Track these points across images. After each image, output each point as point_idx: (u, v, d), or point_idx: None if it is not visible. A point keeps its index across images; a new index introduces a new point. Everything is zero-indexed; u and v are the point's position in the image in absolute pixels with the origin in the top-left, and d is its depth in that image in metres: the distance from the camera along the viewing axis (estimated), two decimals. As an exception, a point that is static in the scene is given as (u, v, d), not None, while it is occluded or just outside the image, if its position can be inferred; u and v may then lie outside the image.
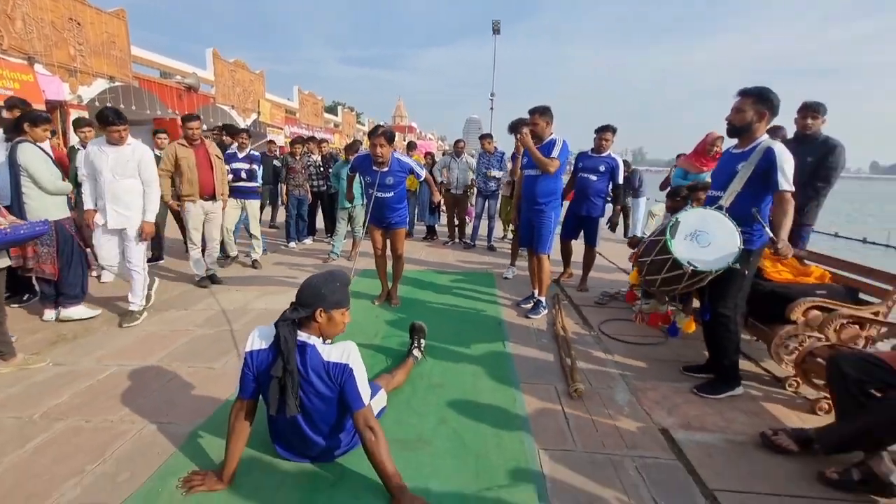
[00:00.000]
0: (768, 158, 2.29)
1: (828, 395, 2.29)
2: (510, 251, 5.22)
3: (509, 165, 5.82)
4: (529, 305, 3.80)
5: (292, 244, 6.12)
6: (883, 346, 2.54)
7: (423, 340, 2.84)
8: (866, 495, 1.77)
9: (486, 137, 6.19)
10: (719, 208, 2.39)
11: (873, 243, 12.86)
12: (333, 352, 1.70)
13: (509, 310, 3.85)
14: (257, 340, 1.73)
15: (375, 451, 1.64)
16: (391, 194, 3.51)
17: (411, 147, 7.95)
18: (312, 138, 6.61)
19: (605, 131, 4.36)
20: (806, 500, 1.76)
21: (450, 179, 6.25)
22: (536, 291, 3.80)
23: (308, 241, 6.45)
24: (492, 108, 24.31)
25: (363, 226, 5.27)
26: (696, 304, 3.23)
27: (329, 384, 1.68)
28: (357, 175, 3.86)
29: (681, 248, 2.32)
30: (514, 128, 3.99)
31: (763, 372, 2.85)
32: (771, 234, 2.25)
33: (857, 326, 2.51)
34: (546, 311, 3.71)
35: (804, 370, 2.43)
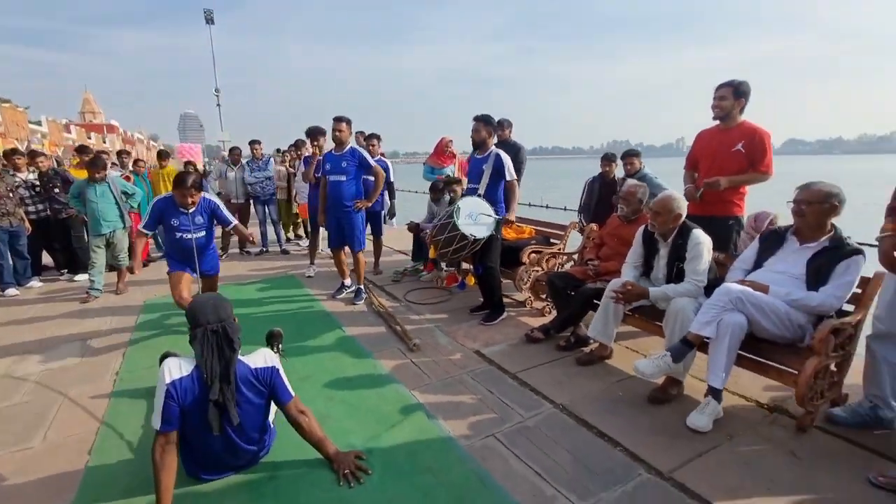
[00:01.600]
0: (498, 160, 3.59)
1: (549, 304, 3.85)
2: (308, 252, 5.56)
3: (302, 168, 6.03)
4: (350, 295, 4.39)
5: (11, 290, 4.71)
6: (569, 265, 4.31)
7: (280, 345, 3.11)
8: (579, 349, 3.24)
9: (255, 143, 6.20)
10: (479, 195, 3.58)
11: (552, 207, 18.31)
12: (256, 359, 1.98)
13: (329, 302, 4.35)
14: (175, 370, 1.81)
15: (312, 429, 2.03)
16: (202, 234, 3.36)
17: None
18: (15, 151, 5.05)
19: (372, 138, 5.21)
20: (557, 358, 3.10)
21: (227, 189, 5.98)
22: (350, 281, 4.42)
23: (35, 282, 5.05)
24: (218, 105, 21.85)
25: (128, 253, 4.66)
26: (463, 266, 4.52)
27: (260, 389, 1.96)
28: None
29: (465, 226, 3.39)
30: (311, 134, 4.42)
31: (512, 300, 4.34)
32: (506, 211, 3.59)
33: (554, 259, 4.18)
34: (365, 296, 4.39)
35: (534, 291, 3.95)
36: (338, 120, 3.98)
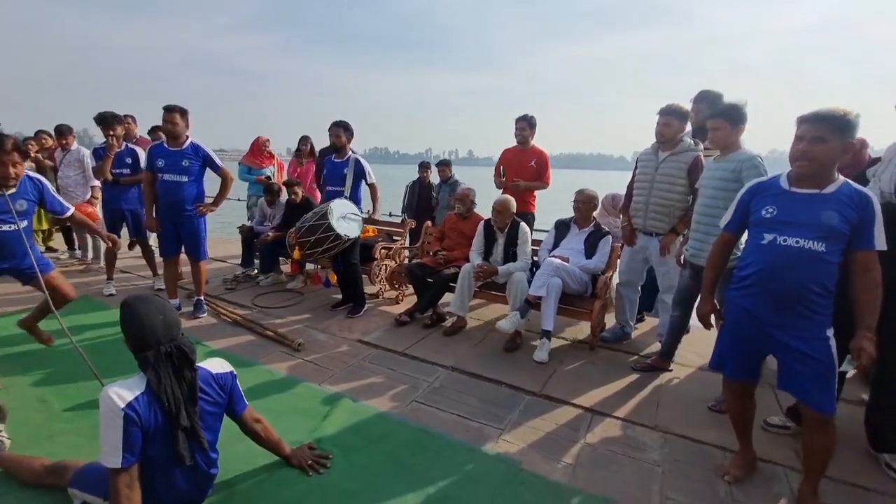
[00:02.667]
0: (359, 165, 3.97)
1: (401, 292, 4.43)
2: (104, 266, 4.49)
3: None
4: (188, 309, 3.91)
5: None
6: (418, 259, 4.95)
7: None
8: (440, 324, 3.93)
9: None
10: (345, 197, 3.86)
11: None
12: (214, 365, 1.89)
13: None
14: (125, 392, 1.59)
15: (269, 432, 2.06)
16: (25, 223, 2.56)
17: None
18: None
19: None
20: (427, 334, 3.71)
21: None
22: (178, 301, 3.94)
23: None
24: None
25: None
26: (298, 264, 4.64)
27: (218, 399, 1.88)
28: None
29: (340, 226, 3.62)
30: (106, 121, 3.72)
31: (369, 294, 4.72)
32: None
33: (402, 252, 4.77)
34: (207, 308, 3.99)
35: (390, 281, 4.46)
36: (168, 110, 3.49)
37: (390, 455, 2.25)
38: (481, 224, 3.91)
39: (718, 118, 2.65)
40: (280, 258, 4.98)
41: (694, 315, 2.72)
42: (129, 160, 4.25)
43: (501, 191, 4.44)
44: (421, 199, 5.75)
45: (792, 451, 2.36)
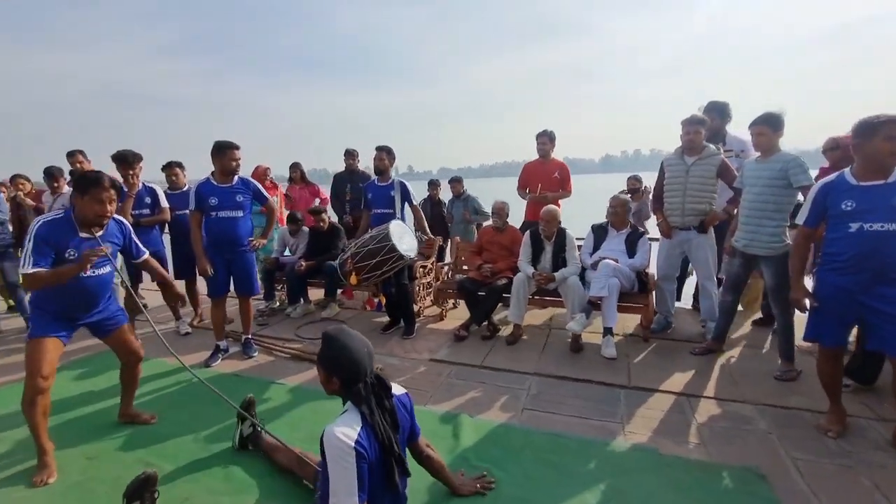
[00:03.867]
0: (404, 187, 4.04)
1: (445, 308, 4.49)
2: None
3: None
4: (231, 351, 3.73)
5: None
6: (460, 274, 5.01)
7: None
8: (496, 334, 4.04)
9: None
10: (399, 219, 3.89)
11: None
12: (397, 387, 1.86)
13: (216, 368, 3.57)
14: (348, 430, 1.59)
15: (440, 459, 2.04)
16: (106, 269, 2.37)
17: None
18: None
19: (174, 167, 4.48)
20: (492, 346, 3.81)
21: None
22: (226, 343, 3.75)
23: None
24: None
25: None
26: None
27: (405, 420, 1.83)
28: None
29: (402, 247, 3.63)
30: (124, 159, 3.57)
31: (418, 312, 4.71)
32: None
33: (441, 270, 4.82)
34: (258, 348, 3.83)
35: (436, 299, 4.51)
36: (231, 147, 3.37)
37: (541, 461, 2.34)
38: (527, 234, 4.10)
39: (762, 125, 3.05)
40: (307, 287, 4.84)
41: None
42: (148, 199, 3.97)
43: (526, 203, 4.68)
44: (434, 216, 5.84)
45: (860, 404, 2.75)
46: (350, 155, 5.57)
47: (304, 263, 4.49)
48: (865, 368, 2.87)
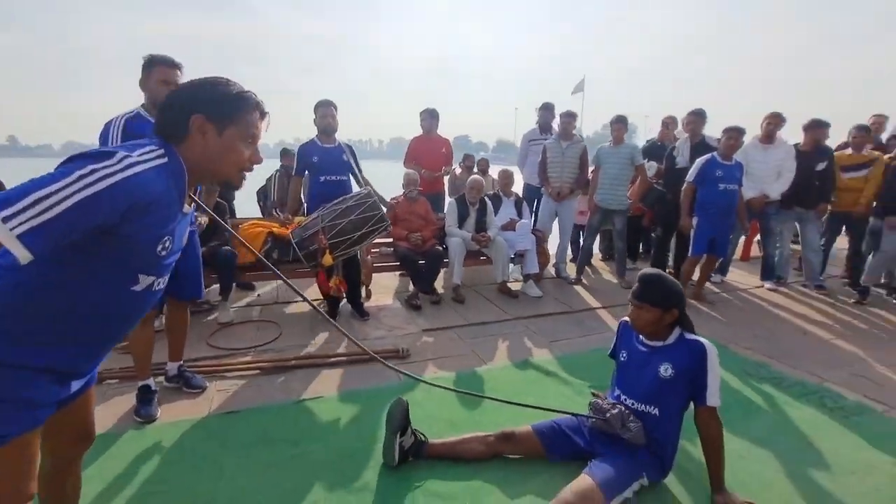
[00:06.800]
0: (352, 150, 3.53)
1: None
2: None
3: None
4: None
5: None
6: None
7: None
8: (442, 300, 4.11)
9: None
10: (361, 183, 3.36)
11: None
12: None
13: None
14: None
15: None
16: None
17: None
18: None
19: None
20: (450, 308, 3.90)
21: None
22: None
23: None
24: None
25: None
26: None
27: None
28: None
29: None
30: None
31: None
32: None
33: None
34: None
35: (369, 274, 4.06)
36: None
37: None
38: (453, 202, 4.34)
39: (617, 123, 4.51)
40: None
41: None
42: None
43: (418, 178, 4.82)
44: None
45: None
46: None
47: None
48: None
